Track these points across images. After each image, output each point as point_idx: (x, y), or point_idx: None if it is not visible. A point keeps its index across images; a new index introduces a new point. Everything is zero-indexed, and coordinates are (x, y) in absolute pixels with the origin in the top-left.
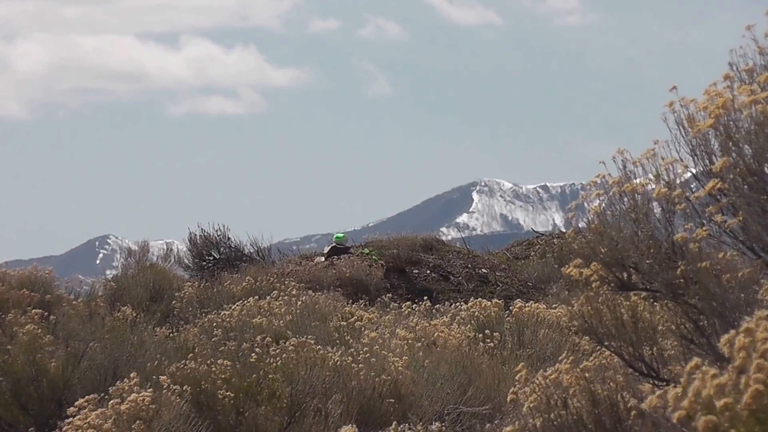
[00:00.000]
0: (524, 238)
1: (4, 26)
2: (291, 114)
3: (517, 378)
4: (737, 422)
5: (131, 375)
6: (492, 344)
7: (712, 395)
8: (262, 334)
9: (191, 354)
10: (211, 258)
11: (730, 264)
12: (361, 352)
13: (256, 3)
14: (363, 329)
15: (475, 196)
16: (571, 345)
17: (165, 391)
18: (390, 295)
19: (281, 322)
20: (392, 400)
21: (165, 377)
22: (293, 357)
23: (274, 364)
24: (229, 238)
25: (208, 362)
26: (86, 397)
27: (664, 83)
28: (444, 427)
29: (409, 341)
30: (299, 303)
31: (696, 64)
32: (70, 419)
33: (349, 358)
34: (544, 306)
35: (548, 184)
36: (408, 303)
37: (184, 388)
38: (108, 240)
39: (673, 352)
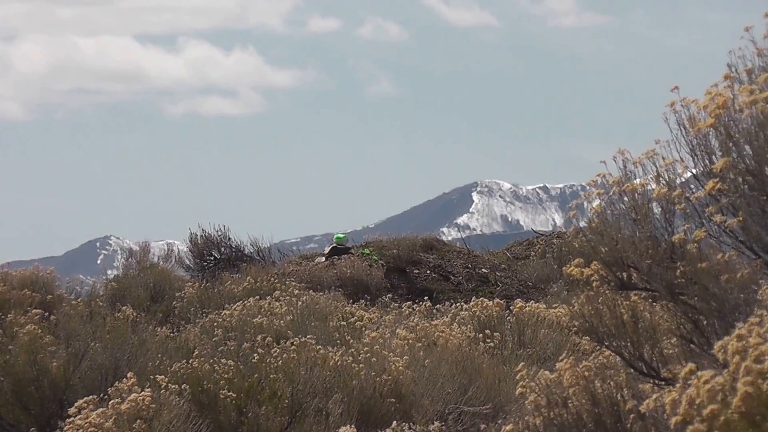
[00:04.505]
0: (524, 238)
1: (0, 28)
2: (291, 114)
3: (518, 377)
4: (732, 427)
5: (129, 375)
6: (492, 344)
7: (705, 401)
8: (262, 333)
9: (194, 354)
10: (212, 258)
11: (730, 264)
12: (361, 352)
13: (255, 3)
14: (363, 329)
15: (475, 196)
16: (572, 345)
17: (163, 390)
18: (390, 295)
19: (282, 322)
20: (393, 400)
21: (162, 377)
22: (294, 357)
23: (275, 364)
24: (229, 239)
25: (211, 362)
26: (87, 397)
27: (660, 85)
28: (445, 427)
29: (410, 341)
30: (300, 303)
31: (693, 66)
32: (71, 419)
33: (350, 357)
34: (545, 306)
35: (548, 185)
36: (408, 303)
37: (183, 387)
38: (109, 240)
39: (673, 351)
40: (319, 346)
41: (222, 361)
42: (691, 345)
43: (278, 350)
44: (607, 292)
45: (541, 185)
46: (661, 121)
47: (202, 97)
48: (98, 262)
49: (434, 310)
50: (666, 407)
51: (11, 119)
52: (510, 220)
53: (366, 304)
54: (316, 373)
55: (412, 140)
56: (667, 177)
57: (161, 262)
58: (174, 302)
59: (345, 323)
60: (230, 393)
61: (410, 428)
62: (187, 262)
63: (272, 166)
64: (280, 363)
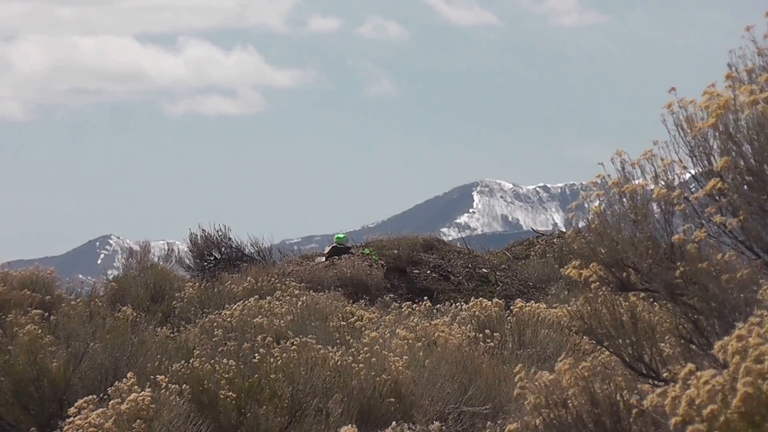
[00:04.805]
0: (524, 238)
1: (0, 28)
2: (291, 114)
3: (516, 379)
4: (732, 427)
5: (129, 375)
6: (492, 344)
7: (705, 402)
8: (262, 334)
9: (195, 353)
10: (212, 258)
11: (729, 264)
12: (361, 351)
13: (255, 3)
14: (363, 329)
15: (475, 196)
16: (572, 345)
17: (163, 390)
18: (391, 295)
19: (282, 322)
20: (393, 400)
21: (162, 377)
22: (294, 357)
23: (275, 364)
24: (230, 239)
25: (212, 362)
26: (87, 397)
27: (662, 84)
28: (444, 427)
29: (410, 341)
30: (300, 303)
31: (694, 66)
32: (71, 419)
33: (350, 357)
34: (545, 306)
35: (548, 185)
36: (408, 303)
37: (183, 387)
38: (109, 240)
39: (672, 352)
40: (319, 346)
41: (222, 361)
42: (691, 345)
43: (278, 350)
44: (606, 293)
45: (542, 185)
46: (662, 122)
47: (202, 97)
48: (98, 262)
49: (434, 310)
50: (666, 407)
51: (11, 119)
52: (510, 219)
53: (366, 304)
54: (316, 373)
55: (412, 140)
56: (665, 178)
57: (161, 262)
58: (174, 302)
59: (345, 323)
60: (230, 393)
61: (410, 428)
62: (187, 262)
63: (272, 166)
64: (280, 363)
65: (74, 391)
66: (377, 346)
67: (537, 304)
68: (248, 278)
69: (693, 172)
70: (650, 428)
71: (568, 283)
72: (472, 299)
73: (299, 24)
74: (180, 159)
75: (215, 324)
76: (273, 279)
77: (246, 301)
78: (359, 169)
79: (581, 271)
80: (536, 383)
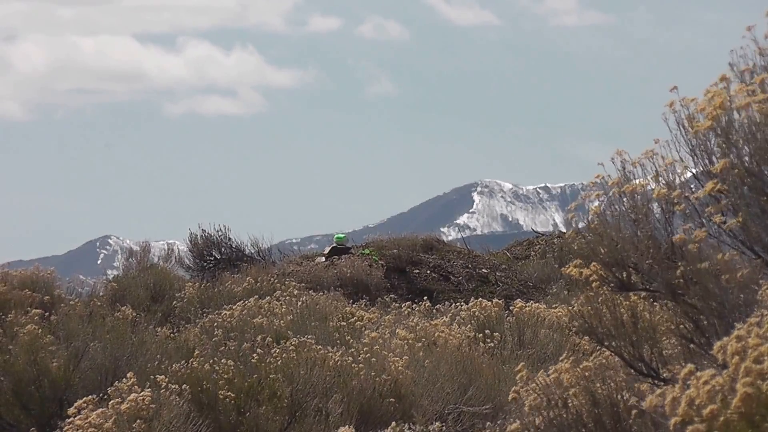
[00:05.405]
0: (524, 238)
1: (0, 28)
2: (291, 114)
3: (517, 378)
4: (732, 427)
5: (129, 375)
6: (492, 344)
7: (704, 402)
8: (262, 334)
9: (194, 354)
10: (212, 258)
11: (730, 264)
12: (361, 352)
13: (255, 2)
14: (363, 329)
15: (475, 196)
16: (572, 345)
17: (163, 390)
18: (391, 295)
19: (282, 322)
20: (392, 400)
21: (162, 377)
22: (294, 357)
23: (275, 364)
24: (230, 239)
25: (211, 362)
26: (87, 397)
27: (662, 84)
28: (444, 427)
29: (410, 341)
30: (300, 303)
31: (695, 65)
32: (71, 419)
33: (350, 358)
34: (545, 306)
35: (548, 185)
36: (408, 303)
37: (183, 387)
38: (109, 240)
39: (672, 351)
40: (319, 346)
41: (222, 361)
42: (691, 345)
43: (278, 350)
44: (606, 292)
45: (542, 185)
46: (662, 120)
47: (202, 97)
48: (98, 262)
49: (434, 310)
50: (666, 407)
51: (11, 119)
52: (510, 220)
53: (366, 304)
54: (316, 373)
55: (412, 140)
56: (666, 177)
57: (161, 262)
58: (174, 302)
59: (345, 323)
60: (230, 393)
61: (410, 428)
62: (187, 262)
63: (272, 166)
64: (279, 363)
65: (74, 391)
66: (377, 346)
67: (537, 304)
68: (248, 278)
69: (694, 171)
70: (650, 428)
71: (568, 283)
72: (471, 299)
73: (299, 24)
74: (180, 159)
75: (215, 324)
76: (273, 279)
77: (246, 301)
78: (359, 169)
79: (582, 270)
80: (535, 384)
